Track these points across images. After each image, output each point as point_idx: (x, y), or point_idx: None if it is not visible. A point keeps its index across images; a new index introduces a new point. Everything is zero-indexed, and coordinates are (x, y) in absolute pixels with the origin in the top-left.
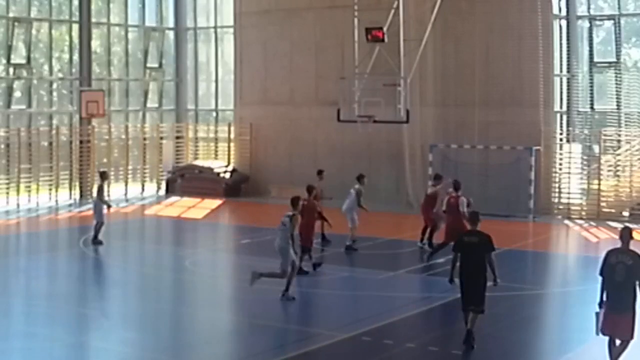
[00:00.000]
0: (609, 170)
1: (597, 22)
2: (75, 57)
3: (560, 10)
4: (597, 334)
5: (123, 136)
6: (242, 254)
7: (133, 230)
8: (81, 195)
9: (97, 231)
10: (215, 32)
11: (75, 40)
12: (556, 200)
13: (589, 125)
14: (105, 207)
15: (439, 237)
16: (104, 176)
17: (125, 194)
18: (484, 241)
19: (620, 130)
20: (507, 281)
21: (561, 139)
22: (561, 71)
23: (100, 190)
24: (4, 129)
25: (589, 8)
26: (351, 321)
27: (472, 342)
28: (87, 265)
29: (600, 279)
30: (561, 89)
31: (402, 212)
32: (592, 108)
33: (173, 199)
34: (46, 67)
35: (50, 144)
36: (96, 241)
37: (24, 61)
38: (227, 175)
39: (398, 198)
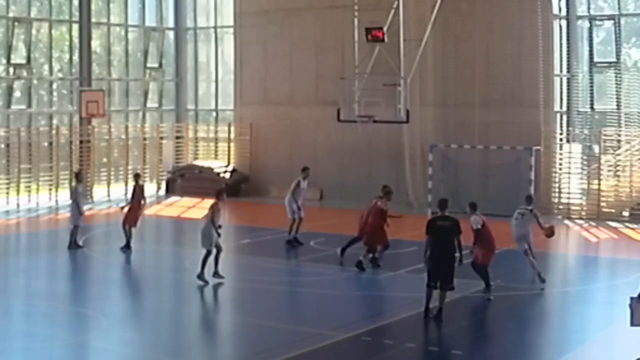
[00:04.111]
0: (609, 170)
1: (597, 22)
2: (75, 57)
3: (560, 10)
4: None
5: (123, 136)
6: (242, 254)
7: (133, 230)
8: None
9: (73, 235)
10: (215, 32)
11: (75, 40)
12: (556, 200)
13: (589, 125)
14: (78, 211)
15: None
16: (78, 177)
17: (125, 194)
18: (455, 224)
19: (620, 130)
20: (507, 281)
21: (561, 139)
22: (561, 71)
23: (75, 192)
24: (4, 129)
25: (589, 8)
26: (351, 321)
27: (442, 316)
28: (87, 265)
29: None
30: (561, 89)
31: (402, 212)
32: (592, 108)
33: (173, 199)
34: (46, 67)
35: (50, 144)
36: (76, 245)
37: (24, 61)
38: (227, 175)
39: (398, 198)
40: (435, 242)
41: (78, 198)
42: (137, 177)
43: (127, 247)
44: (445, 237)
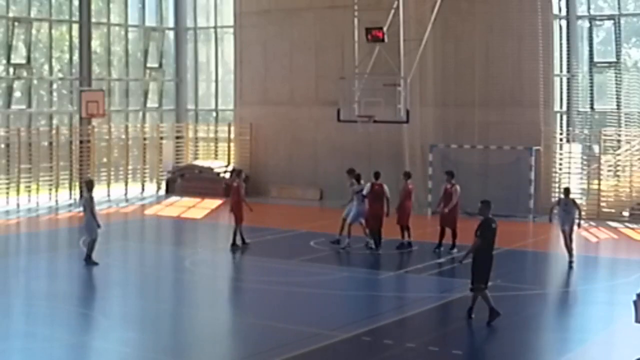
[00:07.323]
0: (609, 170)
1: (597, 22)
2: (75, 57)
3: (560, 10)
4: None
5: (123, 136)
6: (242, 254)
7: (133, 230)
8: (81, 195)
9: (91, 249)
10: (215, 32)
11: (75, 40)
12: (556, 200)
13: (589, 125)
14: (96, 223)
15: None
16: (90, 185)
17: (125, 194)
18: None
19: (620, 130)
20: (507, 281)
21: (561, 139)
22: (561, 71)
23: (90, 202)
24: (4, 129)
25: (589, 8)
26: (351, 321)
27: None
28: (87, 265)
29: None
30: (561, 89)
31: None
32: (592, 108)
33: (173, 199)
34: (46, 67)
35: (50, 144)
36: (90, 261)
37: (24, 61)
38: (227, 175)
39: (398, 198)
40: (489, 244)
41: (94, 209)
42: (239, 173)
43: (244, 243)
44: (494, 240)
